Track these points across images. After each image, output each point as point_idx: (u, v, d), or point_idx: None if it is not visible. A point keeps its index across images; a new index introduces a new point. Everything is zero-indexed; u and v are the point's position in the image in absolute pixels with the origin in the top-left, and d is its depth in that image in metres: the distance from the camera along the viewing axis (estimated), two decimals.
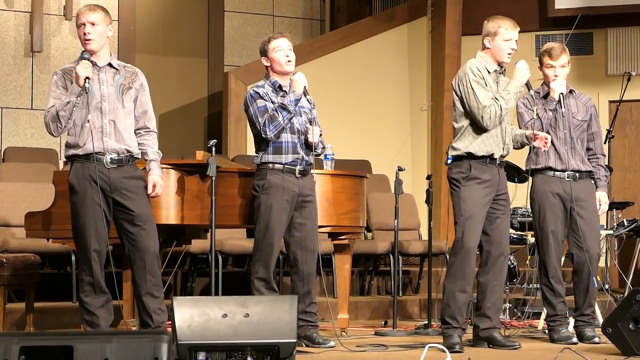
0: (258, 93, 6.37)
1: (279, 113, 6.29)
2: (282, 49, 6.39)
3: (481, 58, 6.50)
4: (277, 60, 6.41)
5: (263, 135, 6.31)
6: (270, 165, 6.35)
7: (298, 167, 6.39)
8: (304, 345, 6.39)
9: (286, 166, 6.35)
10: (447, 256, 9.45)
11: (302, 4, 13.20)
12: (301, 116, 6.46)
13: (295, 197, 6.38)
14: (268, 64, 6.46)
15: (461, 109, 6.45)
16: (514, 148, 6.62)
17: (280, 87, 6.43)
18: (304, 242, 6.45)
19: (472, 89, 6.36)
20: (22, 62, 11.23)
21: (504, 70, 6.55)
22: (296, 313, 5.08)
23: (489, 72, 6.46)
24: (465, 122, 6.44)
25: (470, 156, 6.39)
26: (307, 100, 6.53)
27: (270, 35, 6.50)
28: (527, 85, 6.44)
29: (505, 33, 6.43)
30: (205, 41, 12.63)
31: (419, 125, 12.23)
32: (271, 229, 6.34)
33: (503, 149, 6.46)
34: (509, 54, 6.45)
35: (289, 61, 6.41)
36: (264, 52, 6.46)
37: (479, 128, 6.38)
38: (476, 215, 6.36)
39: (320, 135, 6.53)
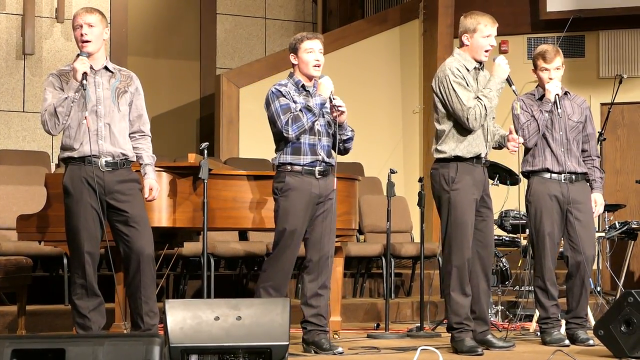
0: (280, 91, 6.21)
1: (304, 114, 6.14)
2: (313, 51, 6.23)
3: (459, 56, 6.42)
4: (306, 62, 6.23)
5: (284, 134, 6.14)
6: (289, 167, 6.19)
7: (317, 168, 6.22)
8: (312, 352, 6.26)
9: (305, 167, 6.20)
10: (439, 258, 9.51)
11: (294, 7, 13.20)
12: (323, 117, 6.29)
13: (315, 199, 6.22)
14: (296, 62, 6.29)
15: (443, 110, 6.37)
16: (492, 147, 6.57)
17: (303, 86, 6.28)
18: (320, 244, 6.28)
19: (454, 90, 6.28)
20: (14, 64, 11.21)
21: (482, 66, 6.48)
22: (288, 316, 5.07)
23: (468, 70, 6.38)
24: (448, 125, 6.37)
25: (457, 158, 6.34)
26: (335, 107, 6.27)
27: (305, 34, 6.32)
28: (508, 80, 6.38)
29: (484, 29, 6.35)
30: (197, 44, 12.63)
31: (411, 127, 12.24)
32: (289, 233, 6.17)
33: (486, 147, 6.43)
34: (487, 51, 6.37)
35: (316, 65, 6.24)
36: (294, 50, 6.27)
37: (463, 130, 6.32)
38: (468, 218, 6.32)
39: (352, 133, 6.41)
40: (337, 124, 6.27)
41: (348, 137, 6.38)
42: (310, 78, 6.29)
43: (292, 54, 6.30)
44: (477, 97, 6.28)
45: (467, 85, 6.33)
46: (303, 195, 6.18)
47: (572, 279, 6.82)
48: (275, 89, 6.25)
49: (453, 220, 6.33)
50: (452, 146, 6.35)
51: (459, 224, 6.31)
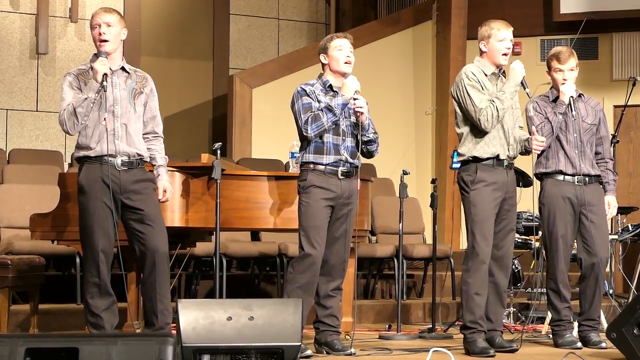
0: (305, 90, 6.22)
1: (324, 114, 6.12)
2: (343, 49, 6.24)
3: (478, 62, 6.51)
4: (337, 59, 6.22)
5: (304, 133, 6.14)
6: (312, 165, 6.18)
7: (341, 169, 6.20)
8: (324, 352, 6.26)
9: (328, 167, 6.18)
10: (451, 260, 9.52)
11: (307, 8, 13.22)
12: (349, 117, 6.26)
13: (336, 199, 6.19)
14: (326, 62, 6.28)
15: (461, 114, 6.46)
16: (519, 154, 6.59)
17: (331, 86, 6.26)
18: (337, 246, 6.26)
19: (468, 93, 6.36)
20: (28, 64, 11.25)
21: (503, 72, 6.52)
22: (301, 316, 5.07)
23: (486, 75, 6.44)
24: (466, 128, 6.44)
25: (476, 160, 6.38)
26: (359, 107, 6.23)
27: (334, 34, 6.35)
28: (523, 84, 6.41)
29: (498, 33, 6.42)
30: (210, 44, 12.65)
31: (424, 129, 12.24)
32: (310, 230, 6.13)
33: (508, 149, 6.43)
34: (504, 55, 6.41)
35: (347, 62, 6.24)
36: (323, 50, 6.27)
37: (479, 131, 6.37)
38: (487, 218, 6.34)
39: (377, 137, 6.40)
40: (358, 124, 6.27)
41: (369, 138, 6.35)
42: (342, 75, 6.26)
43: (322, 55, 6.31)
44: (491, 99, 6.32)
45: (482, 89, 6.38)
46: (324, 192, 6.16)
47: (586, 281, 6.82)
48: (301, 87, 6.26)
49: (472, 219, 6.36)
50: (470, 147, 6.41)
51: (477, 222, 6.34)
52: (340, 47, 6.25)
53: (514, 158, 6.51)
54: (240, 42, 12.75)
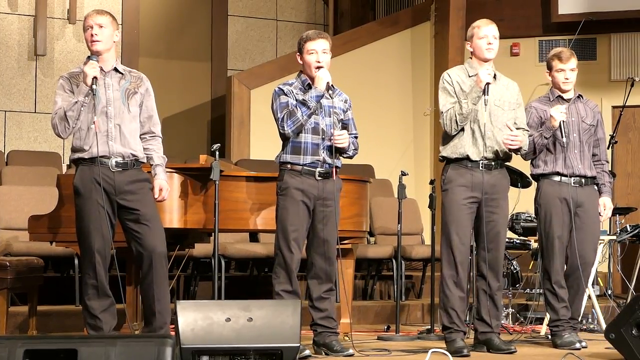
0: (282, 90, 6.21)
1: (299, 109, 6.11)
2: (315, 53, 6.20)
3: (467, 64, 6.60)
4: (308, 64, 6.21)
5: (281, 130, 6.14)
6: (289, 166, 6.17)
7: (318, 169, 6.18)
8: (323, 353, 6.26)
9: (305, 167, 6.17)
10: None
11: (306, 9, 13.21)
12: (330, 117, 6.25)
13: (314, 200, 6.19)
14: (301, 62, 6.28)
15: None
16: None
17: (309, 85, 6.23)
18: (323, 248, 6.26)
19: (439, 95, 6.49)
20: (26, 65, 11.24)
21: (494, 75, 6.48)
22: (299, 317, 5.08)
23: (470, 76, 6.49)
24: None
25: (447, 160, 6.47)
26: (329, 96, 6.23)
27: (309, 34, 6.27)
28: (485, 90, 6.35)
29: (478, 31, 6.50)
30: (208, 45, 12.64)
31: (422, 129, 12.24)
32: (287, 233, 6.14)
33: (485, 150, 6.43)
34: (487, 49, 6.46)
35: (318, 67, 6.20)
36: (300, 50, 6.27)
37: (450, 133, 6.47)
38: (455, 218, 6.39)
39: (356, 138, 6.38)
40: (337, 149, 6.24)
41: (349, 155, 6.39)
42: (314, 80, 6.25)
43: (298, 54, 6.32)
44: (454, 104, 6.39)
45: (455, 91, 6.44)
46: (300, 194, 6.16)
47: (569, 280, 6.88)
48: (278, 87, 6.27)
49: (444, 219, 6.46)
50: (443, 147, 6.52)
51: (446, 222, 6.43)
52: (312, 51, 6.21)
53: (502, 159, 6.50)
54: (239, 43, 12.75)
